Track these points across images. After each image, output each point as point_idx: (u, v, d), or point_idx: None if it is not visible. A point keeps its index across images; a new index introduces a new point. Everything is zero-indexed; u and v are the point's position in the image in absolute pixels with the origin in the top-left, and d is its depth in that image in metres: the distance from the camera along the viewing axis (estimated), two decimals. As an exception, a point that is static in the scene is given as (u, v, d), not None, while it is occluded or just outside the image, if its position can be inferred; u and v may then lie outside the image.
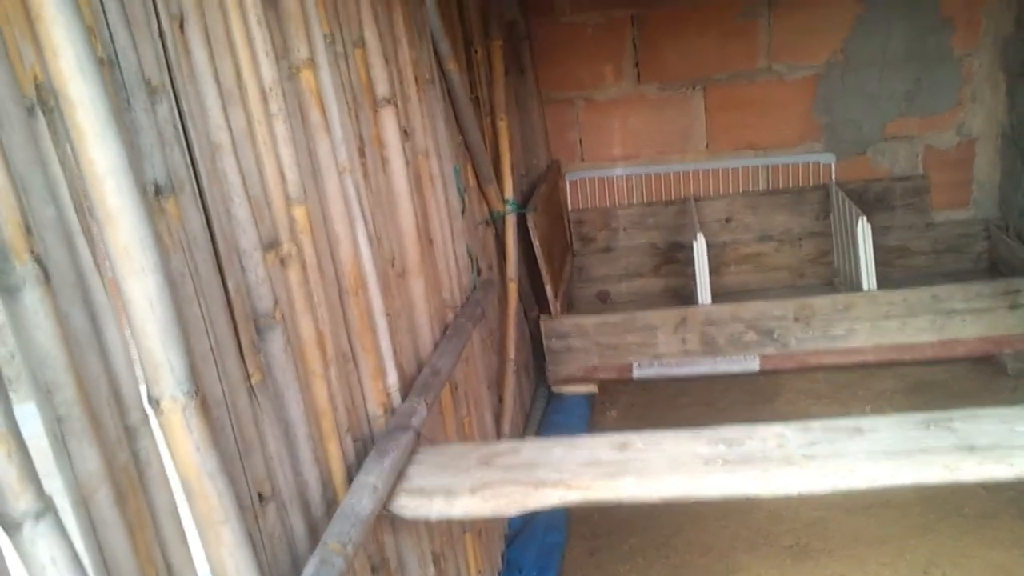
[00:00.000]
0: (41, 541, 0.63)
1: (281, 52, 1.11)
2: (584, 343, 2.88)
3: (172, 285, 0.78)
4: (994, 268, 3.16)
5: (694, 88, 3.24)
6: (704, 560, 2.15)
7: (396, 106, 1.50)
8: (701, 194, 3.33)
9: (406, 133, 1.56)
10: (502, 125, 2.54)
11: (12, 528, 0.62)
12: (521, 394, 2.71)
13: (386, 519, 1.23)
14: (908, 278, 3.16)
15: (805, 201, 3.27)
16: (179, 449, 0.78)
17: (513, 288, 2.51)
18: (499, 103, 2.57)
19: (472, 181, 2.37)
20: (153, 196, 0.80)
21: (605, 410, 2.92)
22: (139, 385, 0.78)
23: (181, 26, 0.89)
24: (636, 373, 2.92)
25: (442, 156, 1.80)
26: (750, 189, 3.32)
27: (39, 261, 0.65)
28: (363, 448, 1.25)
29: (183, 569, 0.82)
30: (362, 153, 1.33)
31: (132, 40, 0.80)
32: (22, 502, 0.62)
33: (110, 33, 0.77)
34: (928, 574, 2.00)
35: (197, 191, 0.89)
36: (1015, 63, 2.98)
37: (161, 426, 0.77)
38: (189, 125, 0.88)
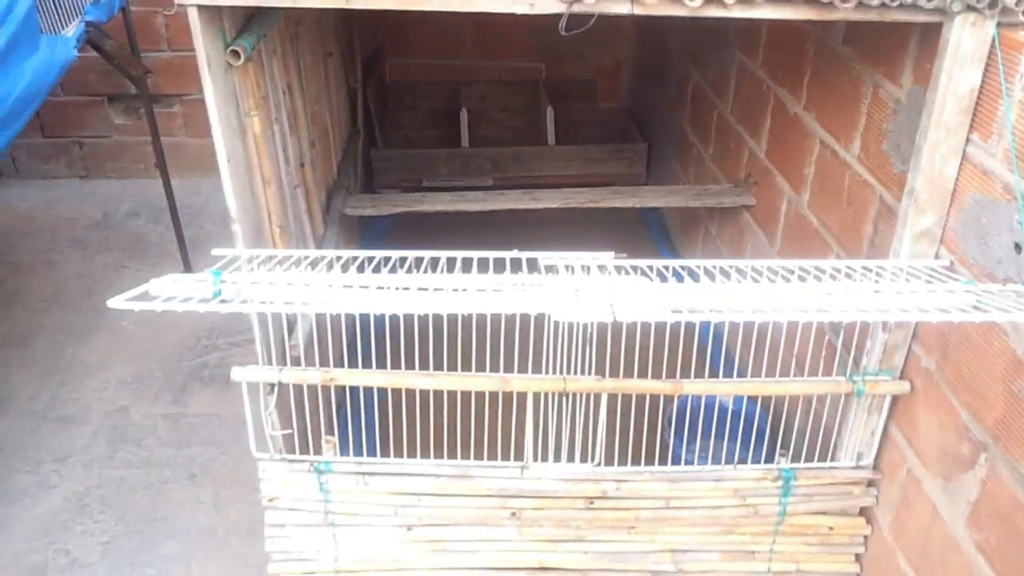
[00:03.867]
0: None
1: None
2: (394, 165, 5.07)
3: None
4: (626, 135, 5.65)
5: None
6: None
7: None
8: (468, 79, 5.53)
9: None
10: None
11: None
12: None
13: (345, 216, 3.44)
14: (582, 139, 5.58)
15: (528, 89, 5.57)
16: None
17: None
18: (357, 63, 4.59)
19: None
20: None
21: (406, 204, 5.17)
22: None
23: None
24: (425, 183, 5.18)
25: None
26: (497, 80, 5.56)
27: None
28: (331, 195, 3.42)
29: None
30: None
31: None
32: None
33: None
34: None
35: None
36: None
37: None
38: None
